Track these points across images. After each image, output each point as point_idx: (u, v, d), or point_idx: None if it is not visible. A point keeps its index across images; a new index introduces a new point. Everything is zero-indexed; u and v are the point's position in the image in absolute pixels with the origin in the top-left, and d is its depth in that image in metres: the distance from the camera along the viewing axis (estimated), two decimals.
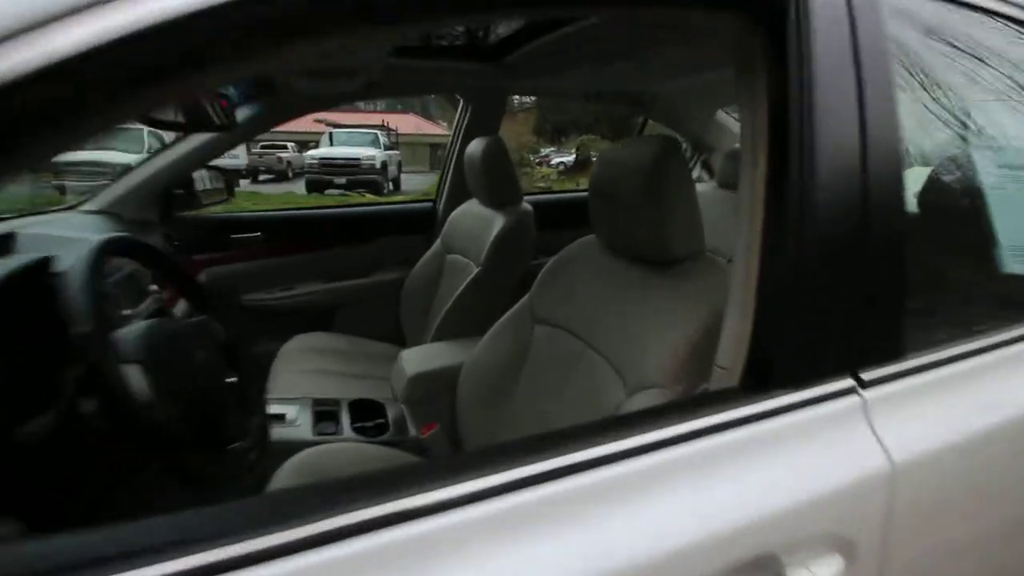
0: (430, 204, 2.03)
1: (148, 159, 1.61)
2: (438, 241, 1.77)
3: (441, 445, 1.17)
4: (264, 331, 1.81)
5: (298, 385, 1.40)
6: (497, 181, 1.52)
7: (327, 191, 10.47)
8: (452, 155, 1.96)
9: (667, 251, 0.84)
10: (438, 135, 15.70)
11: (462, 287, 1.46)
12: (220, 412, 0.79)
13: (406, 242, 1.96)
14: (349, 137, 12.19)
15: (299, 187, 11.40)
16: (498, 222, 1.48)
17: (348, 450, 1.10)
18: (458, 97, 1.99)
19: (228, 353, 0.86)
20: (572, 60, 1.52)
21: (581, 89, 2.21)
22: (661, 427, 0.49)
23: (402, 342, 1.82)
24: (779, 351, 0.55)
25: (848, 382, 0.56)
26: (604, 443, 0.46)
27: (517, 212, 1.50)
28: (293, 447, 1.09)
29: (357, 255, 1.92)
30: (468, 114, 1.91)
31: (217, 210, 1.84)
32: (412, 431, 1.21)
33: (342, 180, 10.58)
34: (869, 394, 0.56)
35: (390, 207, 2.03)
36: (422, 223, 2.00)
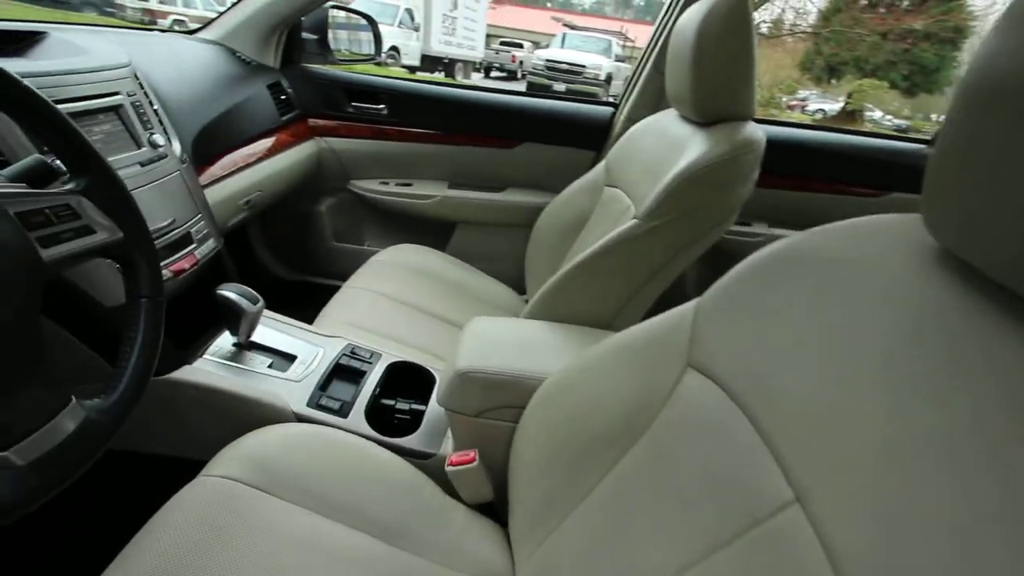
0: (611, 110, 1.43)
1: None
2: (602, 163, 1.20)
3: (473, 489, 0.71)
4: (365, 230, 1.51)
5: (354, 313, 1.05)
6: (715, 77, 0.84)
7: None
8: (660, 35, 1.30)
9: None
10: None
11: (603, 240, 0.89)
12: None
13: (564, 157, 1.43)
14: (582, 41, 11.43)
15: (523, 88, 11.28)
16: (693, 147, 0.84)
17: (337, 444, 0.70)
18: None
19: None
20: None
21: None
22: None
23: (522, 288, 1.37)
24: None
25: None
26: None
27: (734, 138, 0.82)
28: (270, 415, 0.75)
29: (496, 160, 1.46)
30: None
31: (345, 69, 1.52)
32: (445, 448, 0.78)
33: (561, 87, 10.05)
34: None
35: (556, 104, 1.46)
36: (594, 134, 1.44)
